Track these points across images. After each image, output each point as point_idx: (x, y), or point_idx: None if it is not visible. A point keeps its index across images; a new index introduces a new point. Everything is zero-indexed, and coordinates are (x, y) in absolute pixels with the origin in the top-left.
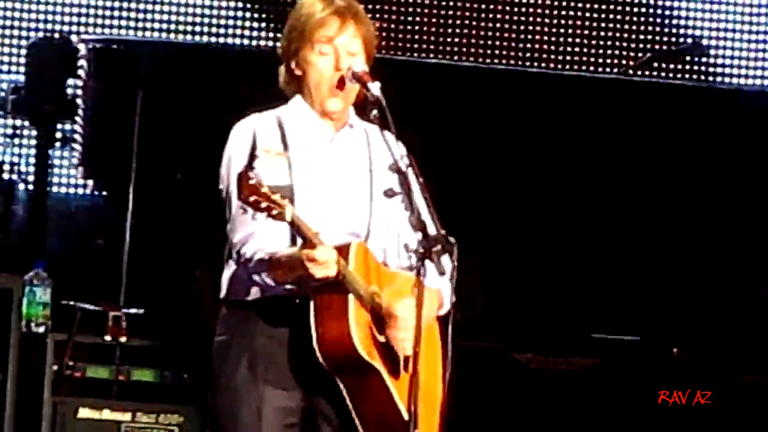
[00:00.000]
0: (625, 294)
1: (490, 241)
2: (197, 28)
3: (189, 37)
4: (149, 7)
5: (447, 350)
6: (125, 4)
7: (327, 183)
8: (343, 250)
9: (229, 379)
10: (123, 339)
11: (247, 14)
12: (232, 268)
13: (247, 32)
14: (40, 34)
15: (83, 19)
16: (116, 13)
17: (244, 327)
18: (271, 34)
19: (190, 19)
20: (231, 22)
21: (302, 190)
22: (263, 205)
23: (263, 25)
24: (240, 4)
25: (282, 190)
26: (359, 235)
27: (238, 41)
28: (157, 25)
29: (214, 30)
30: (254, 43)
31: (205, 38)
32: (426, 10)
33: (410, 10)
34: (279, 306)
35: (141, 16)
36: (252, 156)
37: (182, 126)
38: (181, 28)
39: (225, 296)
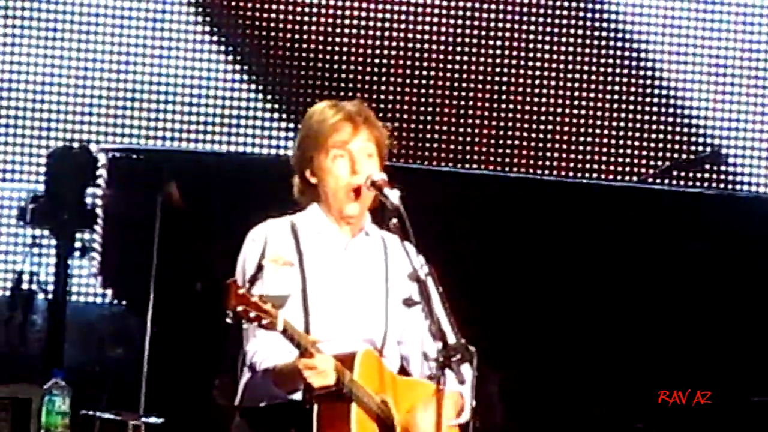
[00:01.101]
0: (640, 399)
1: (508, 347)
2: (216, 137)
3: (209, 146)
4: (168, 116)
5: None
6: (144, 114)
7: (341, 290)
8: (348, 359)
9: None
10: None
11: (266, 123)
12: (246, 376)
13: (266, 141)
14: (60, 144)
15: (102, 128)
16: (136, 123)
17: None
18: (282, 143)
19: (209, 128)
20: (250, 131)
21: (316, 297)
22: (252, 314)
23: (282, 134)
24: (259, 114)
25: (277, 299)
26: (375, 343)
27: (257, 150)
28: (177, 135)
29: (233, 139)
30: (274, 151)
31: (225, 147)
32: (442, 118)
33: (423, 118)
34: (290, 413)
35: (161, 125)
36: (259, 265)
37: (202, 235)
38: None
39: (239, 403)
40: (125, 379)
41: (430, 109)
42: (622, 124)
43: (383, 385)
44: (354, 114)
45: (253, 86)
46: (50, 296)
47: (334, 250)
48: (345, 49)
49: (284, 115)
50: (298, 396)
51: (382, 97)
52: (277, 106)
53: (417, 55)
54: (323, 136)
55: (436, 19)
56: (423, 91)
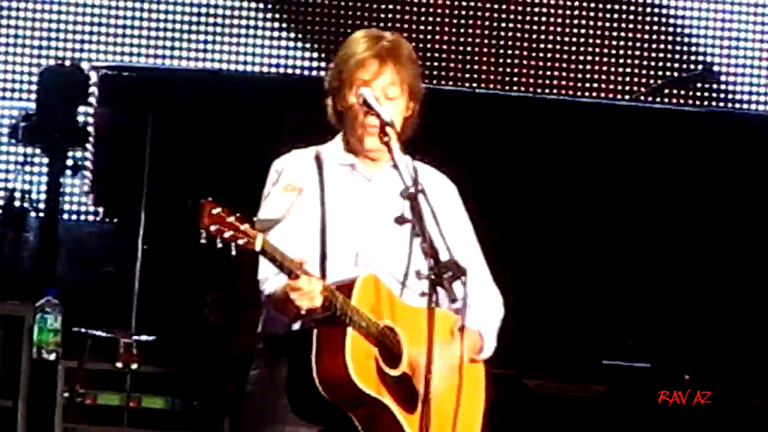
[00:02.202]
0: (635, 321)
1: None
2: (208, 55)
3: (204, 63)
4: (160, 33)
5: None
6: (136, 32)
7: (362, 222)
8: (348, 285)
9: (256, 415)
10: (134, 366)
11: (265, 41)
12: (264, 303)
13: (265, 60)
14: (51, 62)
15: (94, 47)
16: (127, 40)
17: (274, 361)
18: (282, 61)
19: (201, 46)
20: (242, 48)
21: (335, 227)
22: (227, 234)
23: (282, 52)
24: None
25: (264, 222)
26: (396, 276)
27: (256, 68)
28: (168, 52)
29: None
30: (274, 70)
31: (216, 64)
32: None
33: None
34: (303, 340)
35: (152, 42)
36: (269, 192)
37: (192, 152)
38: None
39: (261, 331)
40: (117, 297)
41: (429, 27)
42: (615, 43)
43: (391, 311)
44: (383, 52)
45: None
46: (42, 214)
47: (358, 183)
48: None
49: (284, 33)
50: (298, 324)
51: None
52: (277, 24)
53: None
54: (349, 71)
55: None
56: (423, 9)
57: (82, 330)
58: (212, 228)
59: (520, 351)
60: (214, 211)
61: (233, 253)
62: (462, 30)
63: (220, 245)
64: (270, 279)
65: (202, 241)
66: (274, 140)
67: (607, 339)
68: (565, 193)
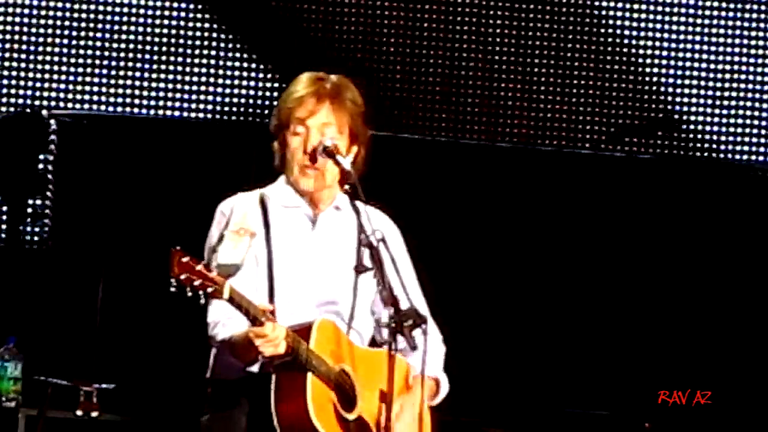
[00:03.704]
0: (596, 370)
1: (464, 316)
2: (169, 103)
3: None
4: (120, 81)
5: None
6: (95, 79)
7: (308, 263)
8: (305, 329)
9: None
10: (95, 414)
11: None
12: (213, 349)
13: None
14: (11, 109)
15: (54, 94)
16: (87, 88)
17: (225, 406)
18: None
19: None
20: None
21: (282, 269)
22: (196, 282)
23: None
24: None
25: (228, 268)
26: (342, 315)
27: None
28: (128, 100)
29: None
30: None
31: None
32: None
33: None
34: (256, 384)
35: (112, 90)
36: (221, 236)
37: (156, 201)
38: None
39: (210, 376)
40: (77, 346)
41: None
42: (575, 91)
43: (342, 355)
44: (322, 90)
45: (207, 50)
46: (2, 263)
47: (302, 224)
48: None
49: (244, 82)
50: (255, 368)
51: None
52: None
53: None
54: (287, 109)
55: None
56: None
57: (43, 378)
58: (182, 277)
59: (482, 401)
60: (184, 260)
61: (202, 301)
62: (421, 77)
63: (189, 293)
64: (221, 324)
65: (172, 289)
66: (239, 185)
67: (568, 388)
68: (526, 241)
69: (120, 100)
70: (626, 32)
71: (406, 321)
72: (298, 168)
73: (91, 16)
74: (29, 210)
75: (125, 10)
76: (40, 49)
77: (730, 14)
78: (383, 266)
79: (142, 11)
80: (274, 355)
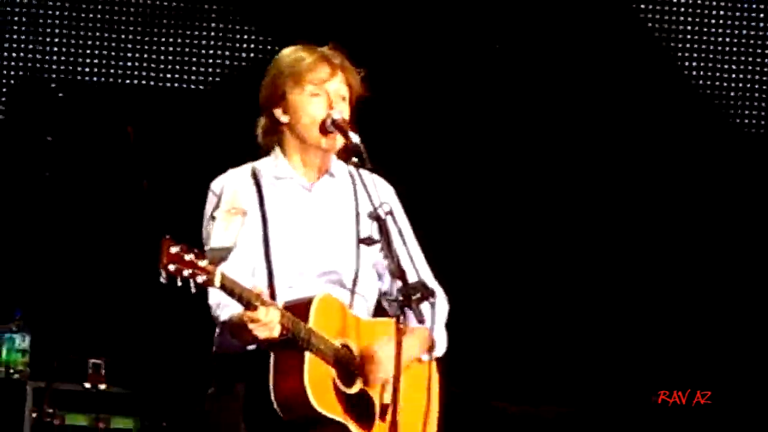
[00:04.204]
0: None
1: (473, 293)
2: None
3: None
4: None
5: (432, 394)
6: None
7: (307, 234)
8: (303, 306)
9: None
10: (102, 386)
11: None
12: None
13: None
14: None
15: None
16: (95, 59)
17: (229, 381)
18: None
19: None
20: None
21: (279, 243)
22: (186, 272)
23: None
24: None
25: (219, 252)
26: (345, 283)
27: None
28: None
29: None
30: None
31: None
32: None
33: None
34: (256, 361)
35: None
36: (212, 217)
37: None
38: None
39: (214, 350)
40: (86, 318)
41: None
42: None
43: (345, 329)
44: (331, 56)
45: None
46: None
47: (298, 194)
48: None
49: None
50: (255, 346)
51: None
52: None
53: None
54: (299, 74)
55: None
56: None
57: (50, 350)
58: (172, 267)
59: (490, 374)
60: (173, 250)
61: (193, 290)
62: None
63: (180, 284)
64: (222, 305)
65: (162, 280)
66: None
67: (574, 361)
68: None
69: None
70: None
71: (414, 294)
72: (319, 129)
73: None
74: (35, 182)
75: None
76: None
77: None
78: (391, 239)
79: None
80: (269, 338)
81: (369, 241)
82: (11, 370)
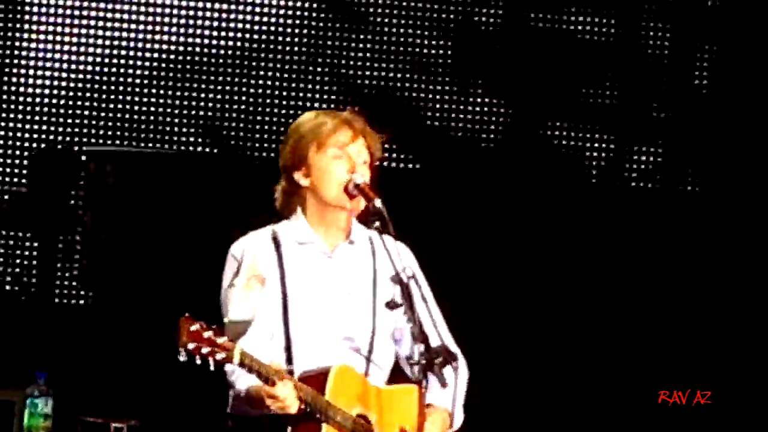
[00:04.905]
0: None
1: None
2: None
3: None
4: (151, 117)
5: None
6: (128, 116)
7: (325, 299)
8: (321, 377)
9: None
10: None
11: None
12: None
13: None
14: (43, 145)
15: (86, 130)
16: (119, 124)
17: None
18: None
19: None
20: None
21: (297, 309)
22: (205, 350)
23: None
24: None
25: (238, 326)
26: (361, 349)
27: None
28: (159, 136)
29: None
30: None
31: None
32: None
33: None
34: (276, 428)
35: (142, 126)
36: (231, 284)
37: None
38: None
39: (229, 411)
40: (108, 382)
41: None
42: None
43: (363, 399)
44: (352, 120)
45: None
46: (33, 298)
47: (318, 259)
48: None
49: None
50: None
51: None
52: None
53: None
54: (322, 137)
55: None
56: None
57: (73, 415)
58: (191, 346)
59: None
60: (192, 328)
61: (212, 368)
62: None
63: (199, 362)
64: (238, 373)
65: (182, 358)
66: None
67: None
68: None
69: (151, 136)
70: None
71: (437, 358)
72: (342, 191)
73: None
74: (60, 246)
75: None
76: (72, 84)
77: None
78: (414, 303)
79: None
80: (285, 414)
81: (392, 305)
82: None
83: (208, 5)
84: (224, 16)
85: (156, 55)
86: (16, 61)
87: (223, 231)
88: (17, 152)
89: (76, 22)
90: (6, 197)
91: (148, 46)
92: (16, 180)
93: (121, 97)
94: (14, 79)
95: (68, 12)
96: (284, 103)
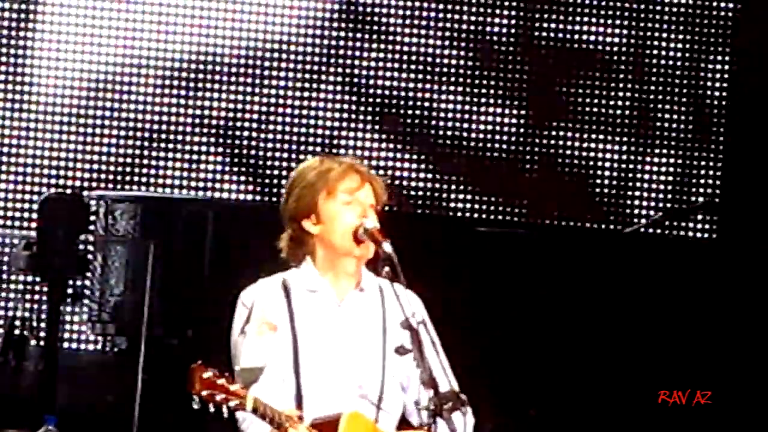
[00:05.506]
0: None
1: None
2: (209, 184)
3: (200, 193)
4: (161, 163)
5: None
6: (137, 161)
7: (335, 348)
8: (332, 424)
9: None
10: None
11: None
12: None
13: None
14: (52, 190)
15: (95, 175)
16: (128, 169)
17: None
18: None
19: (199, 174)
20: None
21: (308, 357)
22: (218, 397)
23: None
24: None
25: (251, 373)
26: (371, 398)
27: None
28: (168, 181)
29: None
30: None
31: (217, 194)
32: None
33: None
34: None
35: (152, 172)
36: (242, 331)
37: (194, 283)
38: None
39: None
40: (117, 427)
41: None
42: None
43: None
44: (358, 167)
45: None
46: (42, 342)
47: (328, 307)
48: None
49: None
50: None
51: None
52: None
53: None
54: (331, 184)
55: None
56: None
57: None
58: (204, 393)
59: None
60: (205, 376)
61: (225, 415)
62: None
63: (212, 409)
64: (249, 419)
65: (195, 406)
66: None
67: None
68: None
69: (160, 181)
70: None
71: (446, 404)
72: (353, 237)
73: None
74: (69, 290)
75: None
76: (82, 130)
77: None
78: (423, 348)
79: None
80: None
81: (402, 351)
82: None
83: (221, 15)
84: (237, 24)
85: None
86: (24, 106)
87: (233, 275)
88: (27, 197)
89: (83, 57)
90: (17, 241)
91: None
92: (26, 225)
93: (130, 141)
94: (20, 124)
95: (77, 47)
96: (297, 112)
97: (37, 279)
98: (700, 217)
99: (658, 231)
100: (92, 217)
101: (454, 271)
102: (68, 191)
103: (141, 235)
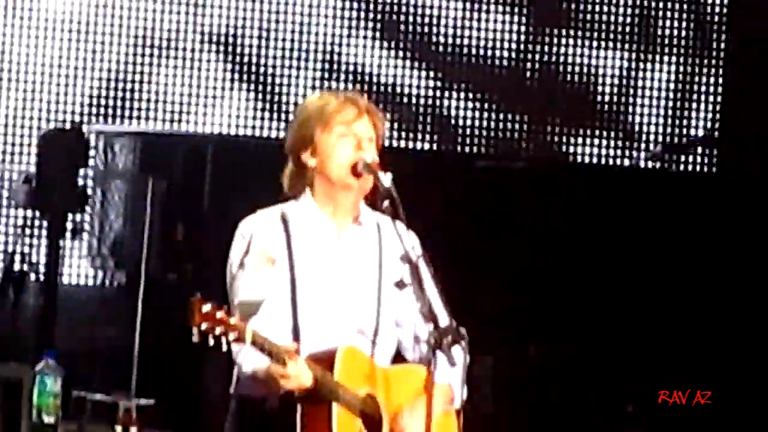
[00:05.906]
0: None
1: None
2: (208, 119)
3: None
4: (160, 96)
5: None
6: (136, 95)
7: (332, 281)
8: (328, 358)
9: None
10: (134, 429)
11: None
12: (236, 369)
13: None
14: (51, 125)
15: (95, 110)
16: (127, 104)
17: (250, 423)
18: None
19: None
20: (236, 111)
21: (305, 291)
22: (218, 331)
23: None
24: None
25: (250, 307)
26: (366, 332)
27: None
28: (168, 116)
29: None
30: (264, 134)
31: (216, 129)
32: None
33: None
34: (282, 408)
35: (152, 105)
36: (241, 263)
37: (193, 217)
38: None
39: (233, 391)
40: (116, 361)
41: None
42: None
43: (370, 379)
44: (356, 99)
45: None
46: (41, 277)
47: (326, 240)
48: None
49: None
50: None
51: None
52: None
53: None
54: (327, 116)
55: None
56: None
57: (82, 394)
58: (203, 326)
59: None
60: (204, 309)
61: (224, 348)
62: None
63: (212, 342)
64: (244, 351)
65: (195, 339)
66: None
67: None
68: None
69: (160, 115)
70: None
71: (446, 337)
72: (349, 169)
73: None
74: (69, 225)
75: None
76: (82, 64)
77: None
78: (422, 282)
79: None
80: (298, 390)
81: (401, 284)
82: (43, 413)
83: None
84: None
85: (166, 34)
86: (23, 39)
87: (232, 211)
88: (26, 132)
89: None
90: (16, 176)
91: (158, 25)
92: (25, 159)
93: (129, 76)
94: (20, 59)
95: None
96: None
97: (36, 214)
98: (699, 150)
99: (657, 165)
100: (91, 152)
101: (452, 206)
102: (67, 126)
103: (140, 169)
